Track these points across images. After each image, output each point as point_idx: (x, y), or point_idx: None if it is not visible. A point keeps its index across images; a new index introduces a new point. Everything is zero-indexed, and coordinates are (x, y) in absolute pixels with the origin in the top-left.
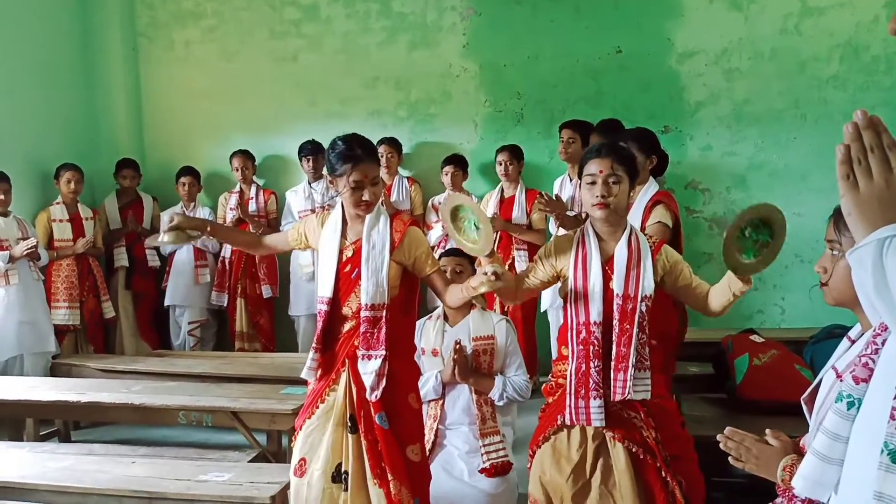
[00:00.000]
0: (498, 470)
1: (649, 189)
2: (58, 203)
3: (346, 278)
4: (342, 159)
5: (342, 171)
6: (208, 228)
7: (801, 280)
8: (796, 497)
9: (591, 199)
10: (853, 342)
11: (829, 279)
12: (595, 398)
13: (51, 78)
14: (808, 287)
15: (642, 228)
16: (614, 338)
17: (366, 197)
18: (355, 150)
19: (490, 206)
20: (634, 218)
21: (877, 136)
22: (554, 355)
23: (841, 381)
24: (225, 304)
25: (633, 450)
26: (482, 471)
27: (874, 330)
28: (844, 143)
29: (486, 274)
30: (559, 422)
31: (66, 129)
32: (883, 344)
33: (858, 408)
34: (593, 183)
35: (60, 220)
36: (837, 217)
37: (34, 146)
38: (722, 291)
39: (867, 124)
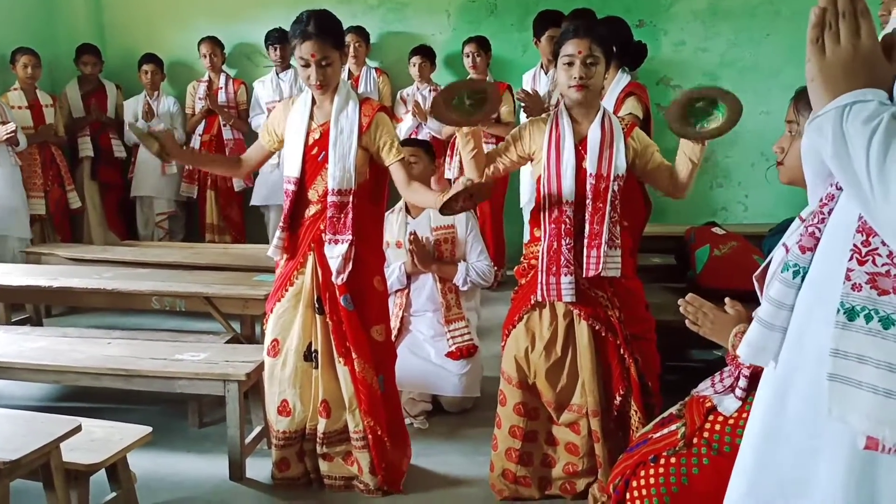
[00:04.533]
0: (463, 353)
1: (621, 80)
2: (15, 89)
3: (312, 160)
4: (293, 33)
5: (293, 45)
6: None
7: (766, 178)
8: (743, 365)
9: (567, 80)
10: (804, 221)
11: (785, 158)
12: (566, 275)
13: None
14: (772, 185)
15: None
16: (587, 216)
17: (311, 77)
18: (307, 26)
19: None
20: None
21: (850, 2)
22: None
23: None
24: (195, 196)
25: (597, 327)
26: (448, 354)
27: (820, 200)
28: (819, 6)
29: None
30: (532, 302)
31: (20, 12)
32: (829, 213)
33: (804, 277)
34: (570, 64)
35: (19, 107)
36: (798, 98)
37: None
38: (682, 163)
39: None
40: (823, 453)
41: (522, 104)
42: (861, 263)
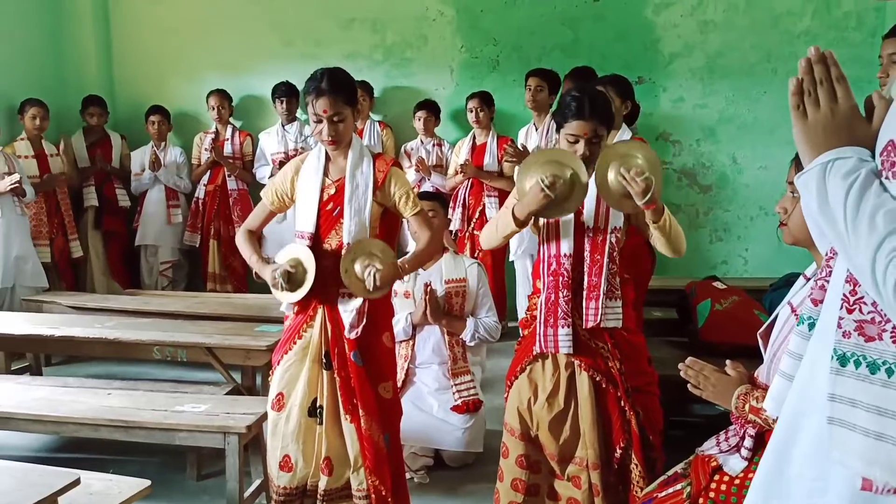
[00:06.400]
0: (469, 407)
1: (623, 135)
2: (22, 139)
3: (327, 216)
4: (307, 89)
5: (307, 101)
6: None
7: (765, 232)
8: (748, 424)
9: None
10: (808, 279)
11: (789, 219)
12: (563, 326)
13: (16, 9)
14: (772, 239)
15: None
16: (586, 269)
17: (324, 133)
18: (320, 83)
19: (462, 152)
20: None
21: (826, 70)
22: (521, 301)
23: (796, 314)
24: (197, 245)
25: (597, 379)
26: (454, 408)
27: (827, 254)
28: (797, 77)
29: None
30: (534, 353)
31: (31, 62)
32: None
33: None
34: (576, 142)
35: (25, 157)
36: (798, 160)
37: None
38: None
39: (819, 59)
40: (828, 494)
41: (508, 159)
42: (850, 312)
